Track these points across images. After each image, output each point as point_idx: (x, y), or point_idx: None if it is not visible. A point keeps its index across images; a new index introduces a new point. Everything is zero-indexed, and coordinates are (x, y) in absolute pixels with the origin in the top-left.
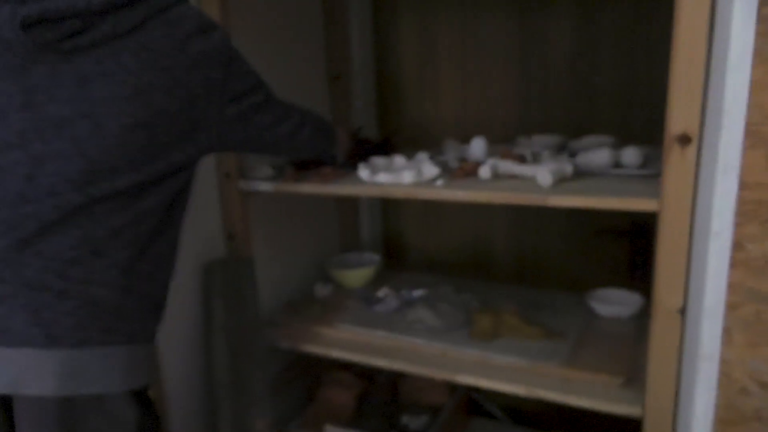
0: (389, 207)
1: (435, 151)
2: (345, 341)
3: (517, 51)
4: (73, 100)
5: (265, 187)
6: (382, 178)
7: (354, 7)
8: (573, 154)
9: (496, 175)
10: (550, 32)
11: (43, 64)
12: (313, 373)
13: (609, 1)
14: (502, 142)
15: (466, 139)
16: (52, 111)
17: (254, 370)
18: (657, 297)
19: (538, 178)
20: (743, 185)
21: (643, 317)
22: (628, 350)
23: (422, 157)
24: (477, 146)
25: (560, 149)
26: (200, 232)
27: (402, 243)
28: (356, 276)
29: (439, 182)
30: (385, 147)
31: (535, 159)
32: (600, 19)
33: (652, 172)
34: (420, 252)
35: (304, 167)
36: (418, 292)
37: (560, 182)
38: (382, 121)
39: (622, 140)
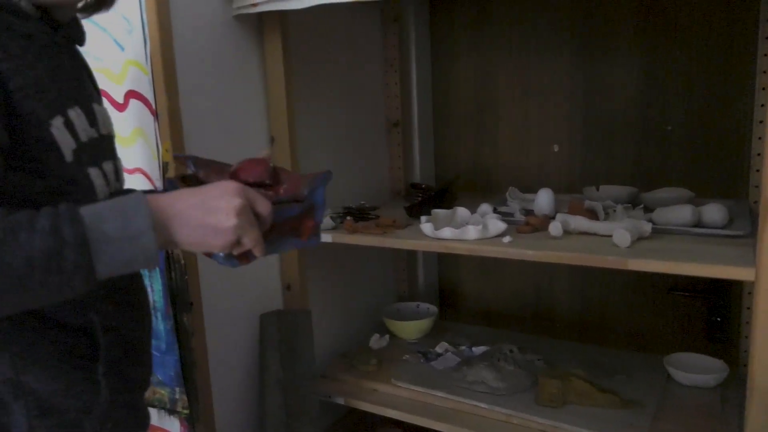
0: (445, 255)
1: (495, 200)
2: (402, 401)
3: (580, 96)
4: None
5: (324, 238)
6: (446, 233)
7: (414, 54)
8: (647, 209)
9: (567, 231)
10: (616, 77)
11: None
12: (365, 427)
13: (680, 43)
14: (565, 192)
15: (526, 187)
16: None
17: (307, 426)
18: (753, 378)
19: (615, 239)
20: None
21: (727, 386)
22: (715, 425)
23: (486, 209)
24: (544, 198)
25: (631, 202)
26: (258, 282)
27: (458, 293)
28: (413, 328)
29: (507, 239)
30: (445, 196)
31: (608, 214)
32: (670, 63)
33: (739, 233)
34: (476, 303)
35: (362, 217)
36: (478, 349)
37: (637, 241)
38: (441, 168)
39: (695, 192)
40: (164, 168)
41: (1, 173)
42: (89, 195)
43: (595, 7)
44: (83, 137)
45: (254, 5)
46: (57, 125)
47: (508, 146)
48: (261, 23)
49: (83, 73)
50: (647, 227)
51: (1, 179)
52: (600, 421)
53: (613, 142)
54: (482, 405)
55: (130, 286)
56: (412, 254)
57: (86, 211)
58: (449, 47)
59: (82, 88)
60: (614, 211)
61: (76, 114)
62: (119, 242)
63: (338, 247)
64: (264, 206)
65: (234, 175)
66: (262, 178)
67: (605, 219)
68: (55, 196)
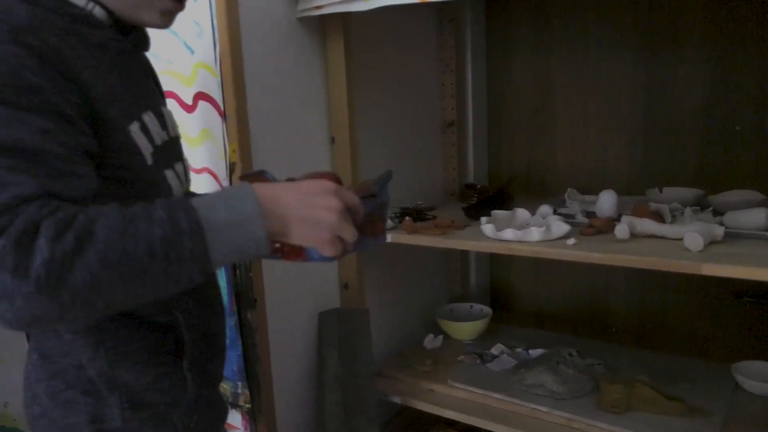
0: (497, 256)
1: (553, 201)
2: (460, 401)
3: (642, 94)
4: None
5: None
6: (508, 234)
7: (469, 54)
8: (716, 212)
9: (633, 234)
10: (682, 74)
11: None
12: (418, 426)
13: (751, 38)
14: (624, 193)
15: (584, 188)
16: None
17: (365, 423)
18: None
19: (687, 242)
20: None
21: None
22: None
23: (546, 210)
24: (606, 200)
25: (698, 205)
26: (316, 281)
27: (510, 294)
28: (467, 329)
29: (571, 241)
30: (502, 197)
31: (674, 217)
32: (741, 59)
33: None
34: (529, 304)
35: (420, 218)
36: (535, 352)
37: (709, 245)
38: (495, 169)
39: (765, 194)
40: (231, 168)
41: (95, 178)
42: (169, 197)
43: (660, 2)
44: (158, 140)
45: (318, 7)
46: (135, 130)
47: (565, 147)
48: (324, 25)
49: (150, 77)
50: (719, 231)
51: (96, 183)
52: (666, 429)
53: (676, 142)
54: (542, 408)
55: (209, 284)
56: (464, 255)
57: (196, 201)
58: (505, 46)
59: (151, 92)
60: (681, 213)
61: (149, 118)
62: (230, 229)
63: (393, 247)
64: (356, 203)
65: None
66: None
67: (672, 222)
68: (141, 201)
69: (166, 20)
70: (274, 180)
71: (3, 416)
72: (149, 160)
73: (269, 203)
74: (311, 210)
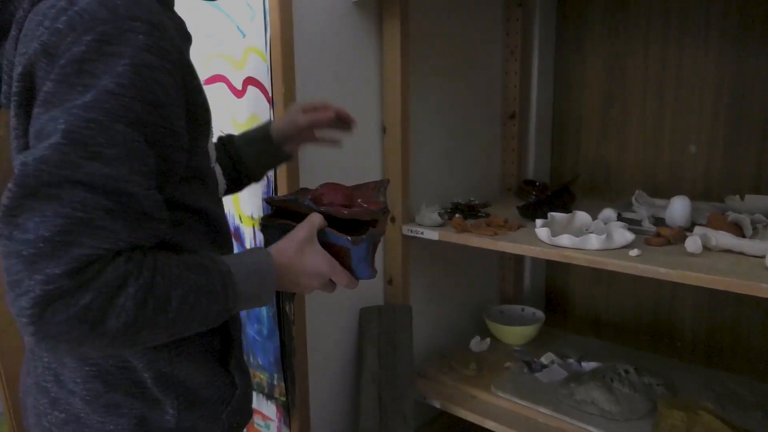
0: None
1: (619, 203)
2: (503, 412)
3: (727, 89)
4: None
5: (430, 235)
6: (565, 240)
7: (537, 42)
8: None
9: (706, 247)
10: None
11: None
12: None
13: None
14: (701, 199)
15: (655, 190)
16: None
17: (401, 424)
18: None
19: None
20: None
21: None
22: None
23: (609, 214)
24: (678, 207)
25: None
26: None
27: (566, 298)
28: (517, 333)
29: (635, 251)
30: (563, 197)
31: (755, 230)
32: None
33: None
34: (586, 311)
35: (472, 214)
36: (588, 365)
37: None
38: (557, 165)
39: None
40: None
41: (168, 218)
42: (217, 189)
43: None
44: (212, 137)
45: None
46: (209, 138)
47: (637, 144)
48: (381, 9)
49: None
50: None
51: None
52: None
53: (763, 143)
54: (591, 428)
55: None
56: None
57: (236, 269)
58: (577, 33)
59: None
60: (765, 227)
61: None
62: (252, 300)
63: (442, 242)
64: (341, 279)
65: (318, 200)
66: (339, 203)
67: (753, 235)
68: (212, 196)
69: None
70: (308, 207)
71: None
72: (213, 160)
73: (282, 278)
74: (303, 283)
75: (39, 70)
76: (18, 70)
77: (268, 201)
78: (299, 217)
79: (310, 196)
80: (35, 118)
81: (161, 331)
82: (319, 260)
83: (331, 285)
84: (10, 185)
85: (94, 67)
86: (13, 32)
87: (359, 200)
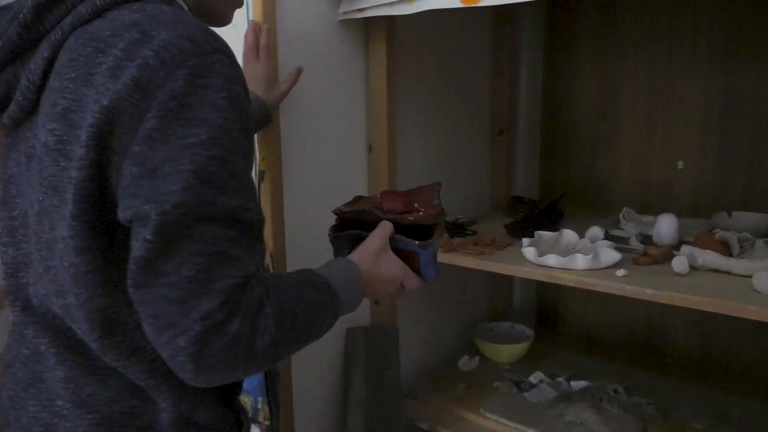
0: None
1: (608, 220)
2: None
3: (719, 105)
4: None
5: None
6: (551, 260)
7: (525, 59)
8: None
9: (693, 267)
10: (766, 83)
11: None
12: None
13: None
14: (690, 216)
15: (645, 206)
16: None
17: None
18: None
19: (757, 283)
20: None
21: None
22: None
23: (596, 233)
24: (666, 225)
25: None
26: None
27: (556, 314)
28: (506, 352)
29: (621, 272)
30: (551, 214)
31: (743, 248)
32: None
33: None
34: (577, 327)
35: (459, 233)
36: (578, 384)
37: None
38: (547, 181)
39: None
40: (261, 177)
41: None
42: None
43: (744, 3)
44: None
45: (361, 10)
46: None
47: (626, 161)
48: (367, 28)
49: None
50: None
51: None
52: None
53: (753, 159)
54: None
55: None
56: None
57: (332, 280)
58: (566, 48)
59: None
60: (752, 245)
61: None
62: (348, 308)
63: None
64: (412, 283)
65: (379, 208)
66: (400, 210)
67: (740, 254)
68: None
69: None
70: (377, 216)
71: None
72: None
73: (366, 285)
74: (382, 288)
75: (128, 105)
76: (100, 102)
77: (337, 212)
78: (365, 225)
79: (374, 205)
80: (136, 155)
81: (294, 345)
82: (394, 266)
83: (401, 289)
84: (147, 236)
85: (193, 101)
86: (45, 53)
87: (416, 205)
